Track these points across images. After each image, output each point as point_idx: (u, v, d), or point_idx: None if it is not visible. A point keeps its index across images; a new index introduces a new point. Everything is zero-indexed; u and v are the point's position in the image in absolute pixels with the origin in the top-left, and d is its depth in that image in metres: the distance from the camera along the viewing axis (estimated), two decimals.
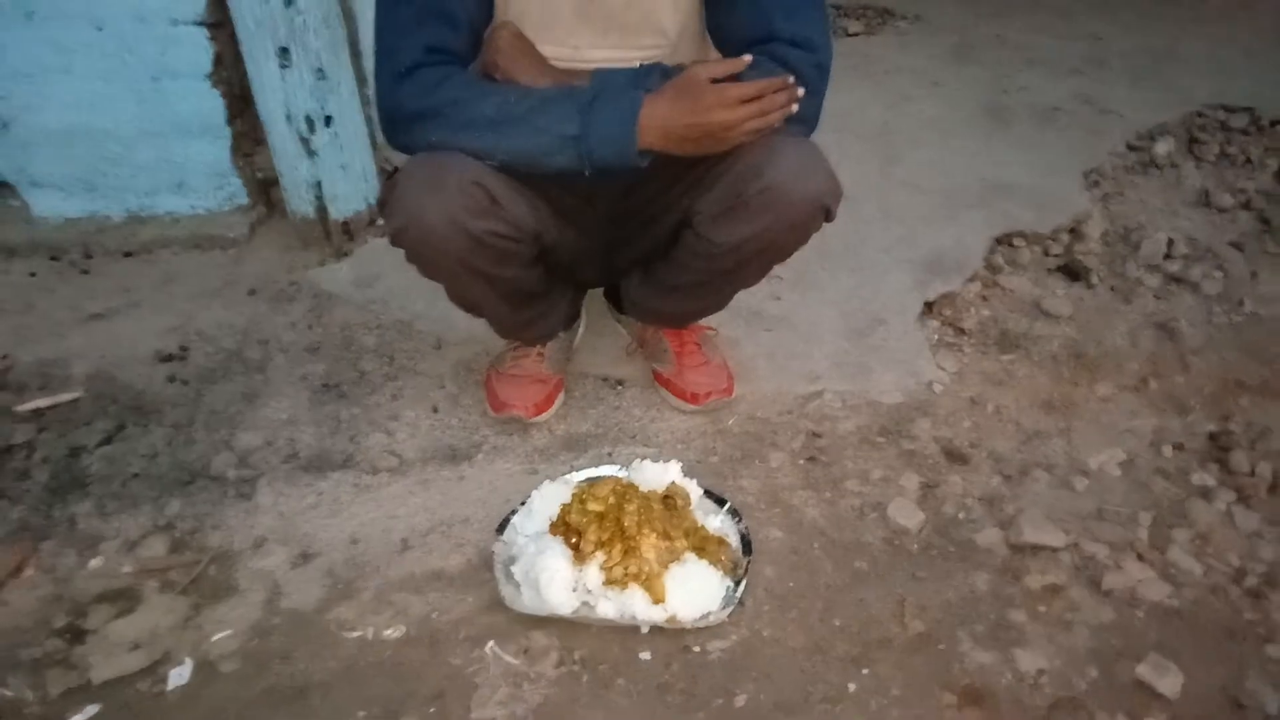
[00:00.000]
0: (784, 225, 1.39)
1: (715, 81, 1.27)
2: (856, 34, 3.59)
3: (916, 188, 2.46)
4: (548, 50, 1.42)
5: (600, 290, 1.91)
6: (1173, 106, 2.79)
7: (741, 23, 1.38)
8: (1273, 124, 2.64)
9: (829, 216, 1.39)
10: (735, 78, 1.28)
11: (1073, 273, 2.11)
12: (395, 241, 1.38)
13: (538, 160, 1.31)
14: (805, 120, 1.35)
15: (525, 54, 1.40)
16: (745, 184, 1.34)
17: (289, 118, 2.07)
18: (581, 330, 1.89)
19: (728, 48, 1.42)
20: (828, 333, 1.93)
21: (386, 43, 1.35)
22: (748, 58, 1.29)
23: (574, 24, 1.43)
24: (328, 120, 2.09)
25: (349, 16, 2.14)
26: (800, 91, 1.27)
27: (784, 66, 1.30)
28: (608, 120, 1.28)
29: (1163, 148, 2.57)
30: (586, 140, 1.28)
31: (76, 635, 1.32)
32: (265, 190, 2.31)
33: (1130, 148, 2.62)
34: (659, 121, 1.27)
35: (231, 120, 2.18)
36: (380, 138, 2.17)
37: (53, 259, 2.16)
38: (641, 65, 1.38)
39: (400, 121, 1.35)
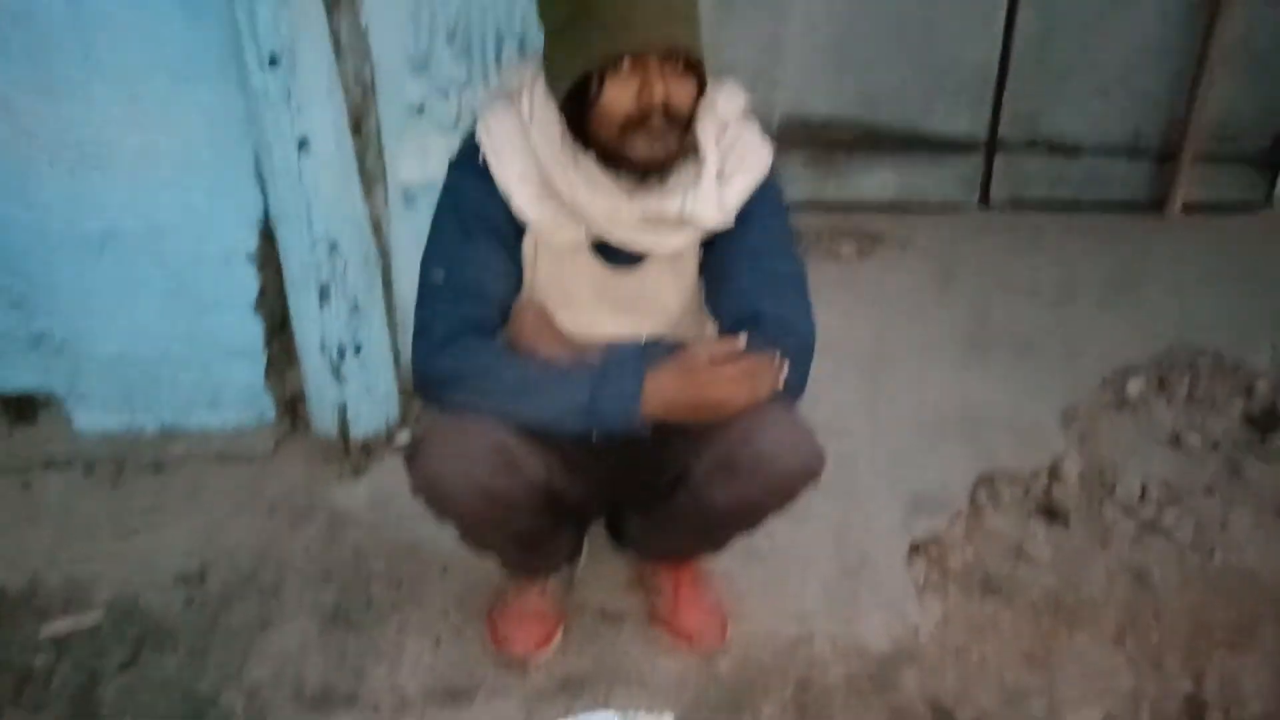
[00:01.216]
0: (771, 489, 1.51)
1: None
2: (849, 257, 3.86)
3: (900, 417, 2.59)
4: (566, 321, 1.60)
5: (603, 522, 2.01)
6: (1142, 343, 2.93)
7: (733, 304, 1.56)
8: (1235, 368, 2.82)
9: (814, 478, 1.52)
10: None
11: (1052, 513, 2.22)
12: (416, 493, 1.50)
13: (551, 425, 1.46)
14: (792, 390, 1.49)
15: (547, 329, 1.58)
16: (736, 450, 1.47)
17: (323, 347, 2.24)
18: (583, 561, 1.98)
19: (722, 324, 1.60)
20: (818, 569, 2.02)
21: (425, 313, 1.53)
22: (742, 341, 1.45)
23: (590, 303, 1.62)
24: (358, 349, 2.27)
25: (385, 253, 2.36)
26: (785, 368, 1.43)
27: (772, 344, 1.46)
28: (615, 393, 1.43)
29: (1134, 387, 2.73)
30: (596, 410, 1.42)
31: None
32: (291, 406, 2.46)
33: (1104, 383, 2.78)
34: (661, 395, 1.42)
35: (268, 344, 2.36)
36: (404, 357, 2.35)
37: (86, 472, 2.27)
38: (647, 341, 1.55)
39: (432, 385, 1.51)
